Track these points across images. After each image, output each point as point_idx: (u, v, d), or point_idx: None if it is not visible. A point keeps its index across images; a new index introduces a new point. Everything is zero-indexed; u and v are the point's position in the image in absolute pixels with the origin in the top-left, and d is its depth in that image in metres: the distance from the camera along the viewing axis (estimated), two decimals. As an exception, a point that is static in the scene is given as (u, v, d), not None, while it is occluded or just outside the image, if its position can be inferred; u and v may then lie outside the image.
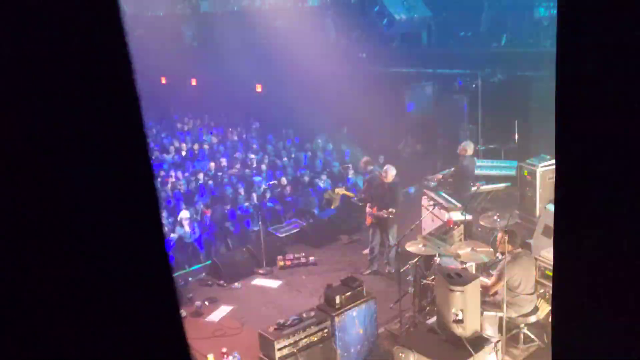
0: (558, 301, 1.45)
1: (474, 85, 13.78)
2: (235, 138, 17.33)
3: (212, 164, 14.26)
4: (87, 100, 0.92)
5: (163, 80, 20.48)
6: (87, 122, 0.92)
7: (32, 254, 0.91)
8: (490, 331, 6.84)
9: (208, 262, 10.51)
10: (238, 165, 14.38)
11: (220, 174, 13.78)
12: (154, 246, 1.01)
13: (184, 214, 10.73)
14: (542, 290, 7.49)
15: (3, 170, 0.87)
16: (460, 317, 6.10)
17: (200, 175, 13.51)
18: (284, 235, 11.36)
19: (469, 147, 10.77)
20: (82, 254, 0.94)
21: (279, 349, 6.54)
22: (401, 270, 7.87)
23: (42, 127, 0.89)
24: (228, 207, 11.78)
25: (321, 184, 13.10)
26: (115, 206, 0.96)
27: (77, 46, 0.90)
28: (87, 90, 0.92)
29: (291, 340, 6.64)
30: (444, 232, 9.23)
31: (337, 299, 7.04)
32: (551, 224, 8.59)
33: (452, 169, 11.26)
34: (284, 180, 12.96)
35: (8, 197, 0.88)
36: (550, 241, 8.27)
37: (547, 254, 7.57)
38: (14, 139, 0.88)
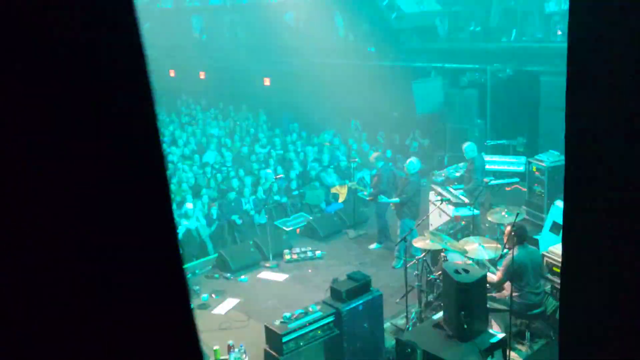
0: (566, 297, 1.44)
1: (483, 80, 13.72)
2: (239, 134, 17.32)
3: (220, 157, 14.28)
4: (101, 93, 0.92)
5: (172, 73, 20.50)
6: (101, 114, 0.92)
7: (44, 247, 0.91)
8: (497, 327, 6.83)
9: (215, 255, 10.55)
10: (254, 159, 14.40)
11: (227, 167, 13.79)
12: (165, 238, 1.01)
13: (188, 207, 10.76)
14: (549, 286, 7.47)
15: (17, 160, 0.88)
16: (466, 312, 6.09)
17: (208, 168, 13.53)
18: (290, 228, 11.38)
19: (472, 146, 10.68)
20: (93, 246, 0.94)
21: (285, 342, 6.56)
22: (408, 265, 7.87)
23: (56, 120, 0.89)
24: (235, 200, 11.80)
25: (328, 178, 13.09)
26: (127, 198, 0.96)
27: (91, 38, 0.90)
28: (101, 82, 0.92)
29: (297, 333, 6.65)
30: (451, 228, 9.22)
31: (343, 293, 7.04)
32: (559, 220, 8.60)
33: (461, 164, 11.22)
34: (291, 174, 12.96)
35: (21, 188, 0.88)
36: (558, 237, 8.26)
37: (554, 250, 7.54)
38: (27, 131, 0.88)
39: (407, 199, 9.74)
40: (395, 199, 9.88)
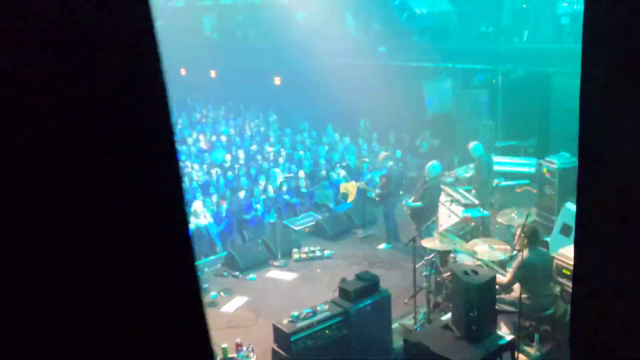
0: (577, 300, 1.43)
1: (494, 81, 13.66)
2: (249, 132, 17.35)
3: (229, 156, 14.32)
4: (116, 91, 0.92)
5: (183, 72, 20.56)
6: (116, 112, 0.93)
7: (60, 246, 0.92)
8: (506, 329, 6.80)
9: (224, 253, 10.57)
10: (259, 157, 14.42)
11: (237, 165, 13.82)
12: (179, 237, 1.02)
13: (198, 205, 10.80)
14: (558, 289, 7.43)
15: (34, 158, 0.88)
16: (475, 314, 6.07)
17: (219, 167, 13.56)
18: (299, 228, 11.39)
19: (478, 146, 10.61)
20: (106, 243, 0.95)
21: (293, 341, 6.56)
22: (416, 265, 7.85)
23: (72, 119, 0.90)
24: (244, 198, 11.81)
25: (337, 178, 13.08)
26: (141, 196, 0.96)
27: (107, 36, 0.91)
28: (116, 80, 0.92)
29: (305, 332, 6.66)
30: (460, 229, 9.19)
31: (352, 293, 7.04)
32: (569, 222, 8.55)
33: (471, 165, 11.18)
34: (301, 173, 12.96)
35: (38, 185, 0.89)
36: (568, 240, 8.20)
37: (565, 252, 7.50)
38: (44, 129, 0.89)
39: (428, 203, 9.65)
40: (417, 203, 9.76)
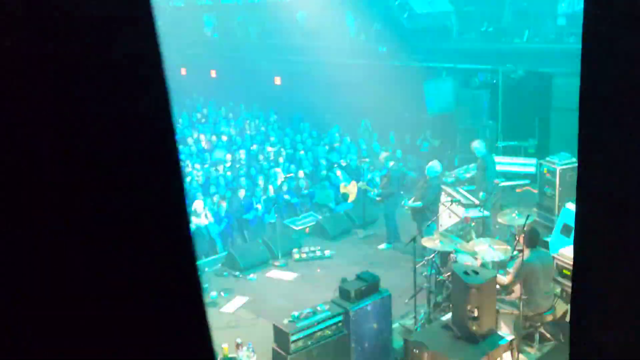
0: (577, 300, 1.43)
1: (494, 81, 13.66)
2: (249, 132, 17.34)
3: (229, 156, 14.32)
4: (117, 92, 0.93)
5: (183, 72, 20.56)
6: (118, 112, 0.93)
7: (59, 246, 0.92)
8: (506, 329, 6.80)
9: (224, 253, 10.57)
10: (261, 157, 14.42)
11: (237, 165, 13.82)
12: (180, 236, 1.02)
13: (198, 205, 10.80)
14: (559, 289, 7.43)
15: (38, 158, 0.88)
16: (475, 314, 6.07)
17: (219, 167, 13.56)
18: (300, 228, 11.39)
19: (481, 145, 10.61)
20: (107, 243, 0.95)
21: (293, 341, 6.56)
22: (417, 265, 7.85)
23: (72, 118, 0.90)
24: (244, 198, 11.81)
25: (338, 178, 13.08)
26: (143, 196, 0.96)
27: (108, 36, 0.91)
28: (117, 81, 0.92)
29: (305, 332, 6.66)
30: (461, 229, 9.19)
31: (352, 293, 7.04)
32: (570, 222, 8.54)
33: (472, 165, 11.19)
34: (301, 173, 12.96)
35: (36, 187, 0.89)
36: (569, 240, 8.21)
37: (565, 253, 7.50)
38: (44, 129, 0.89)
39: (428, 203, 9.67)
40: (418, 203, 9.78)
